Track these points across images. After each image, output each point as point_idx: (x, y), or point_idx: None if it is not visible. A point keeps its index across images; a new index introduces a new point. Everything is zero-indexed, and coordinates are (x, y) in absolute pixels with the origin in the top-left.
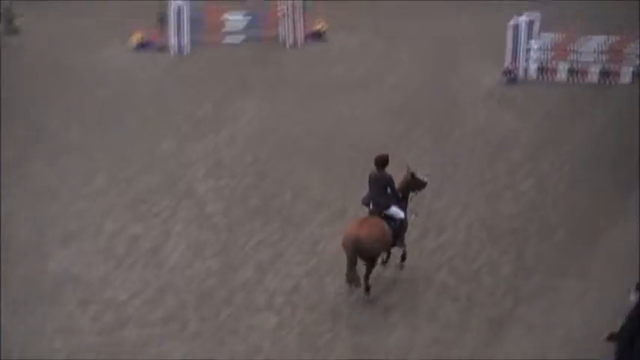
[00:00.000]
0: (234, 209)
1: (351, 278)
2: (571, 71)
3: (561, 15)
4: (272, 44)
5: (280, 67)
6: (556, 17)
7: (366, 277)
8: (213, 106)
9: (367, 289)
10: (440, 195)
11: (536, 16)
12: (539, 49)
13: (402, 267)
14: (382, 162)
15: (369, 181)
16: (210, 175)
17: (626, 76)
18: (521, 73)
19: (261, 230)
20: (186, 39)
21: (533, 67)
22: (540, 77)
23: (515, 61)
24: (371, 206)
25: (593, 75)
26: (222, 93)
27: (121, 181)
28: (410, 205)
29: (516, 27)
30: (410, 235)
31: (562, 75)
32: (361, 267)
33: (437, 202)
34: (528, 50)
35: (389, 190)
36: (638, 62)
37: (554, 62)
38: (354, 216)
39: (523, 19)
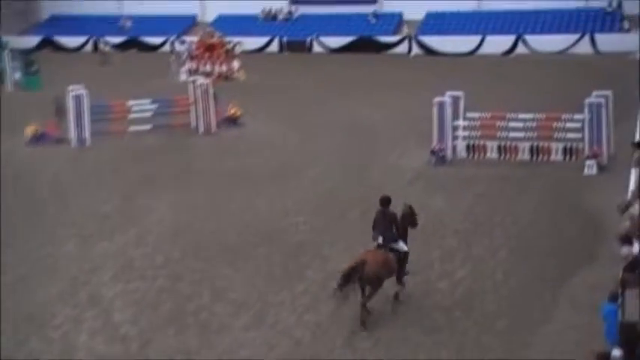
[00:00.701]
0: (146, 316)
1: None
2: (501, 149)
3: (485, 96)
4: (183, 131)
5: (193, 155)
6: (479, 98)
7: (364, 302)
8: (120, 202)
9: (363, 319)
10: None
11: (460, 94)
12: (467, 127)
13: (397, 297)
14: (386, 201)
15: (376, 219)
16: (117, 278)
17: (557, 152)
18: (449, 152)
19: (176, 338)
20: (87, 129)
21: (461, 146)
22: (470, 156)
23: (443, 141)
24: (380, 241)
25: (524, 152)
26: (130, 187)
27: (14, 292)
28: None
29: (441, 105)
30: (340, 335)
31: (492, 153)
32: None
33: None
34: (455, 129)
35: (393, 226)
36: (567, 138)
37: (482, 140)
38: (277, 318)
39: (448, 97)
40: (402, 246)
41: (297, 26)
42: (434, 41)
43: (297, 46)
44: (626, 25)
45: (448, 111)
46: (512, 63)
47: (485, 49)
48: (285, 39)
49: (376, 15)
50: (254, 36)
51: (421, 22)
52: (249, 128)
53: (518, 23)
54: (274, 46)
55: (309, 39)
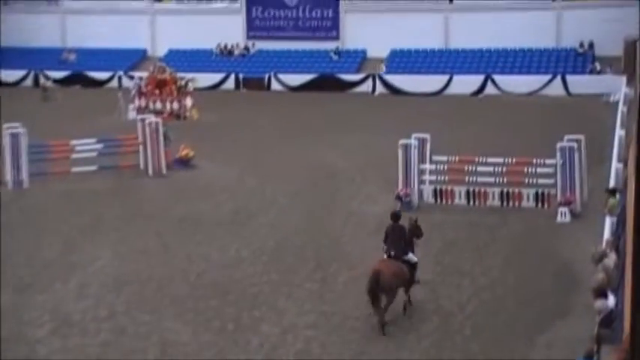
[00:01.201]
0: None
1: (379, 316)
2: (470, 195)
3: (453, 138)
4: (131, 173)
5: (141, 199)
6: (446, 140)
7: (385, 308)
8: (60, 250)
9: (382, 323)
10: (327, 347)
11: (426, 136)
12: (434, 171)
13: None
14: (397, 216)
15: (387, 233)
16: (56, 333)
17: (528, 198)
18: (415, 198)
19: None
20: (24, 170)
21: (428, 191)
22: (437, 202)
23: (409, 185)
24: (391, 254)
25: (494, 198)
26: (71, 233)
27: None
28: None
29: (407, 147)
30: None
31: (461, 199)
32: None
33: (322, 356)
34: (422, 173)
35: (402, 240)
36: (539, 184)
37: (450, 185)
38: None
39: (414, 139)
40: (411, 257)
41: (254, 62)
42: (399, 80)
43: (254, 84)
44: (597, 66)
45: (414, 154)
46: (481, 104)
47: (453, 89)
48: (241, 76)
49: (338, 52)
50: (208, 72)
51: (386, 60)
52: (202, 170)
53: (487, 63)
54: (230, 83)
55: (267, 76)
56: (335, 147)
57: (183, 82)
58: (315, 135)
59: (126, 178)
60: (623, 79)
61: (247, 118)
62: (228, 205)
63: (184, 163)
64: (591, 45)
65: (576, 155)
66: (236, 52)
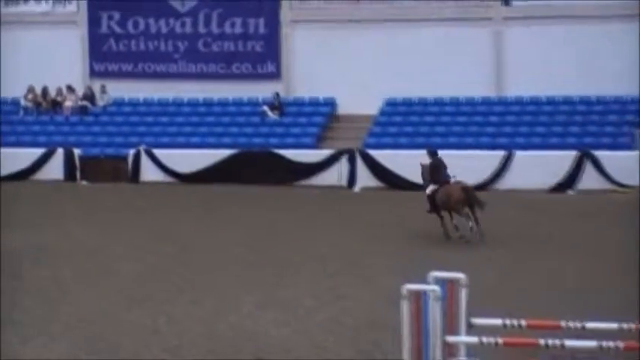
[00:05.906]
0: None
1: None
2: None
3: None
4: None
5: None
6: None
7: (476, 217)
8: None
9: (477, 222)
10: None
11: (459, 277)
12: (475, 349)
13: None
14: (433, 152)
15: (438, 167)
16: None
17: None
18: None
19: None
20: None
21: None
22: None
23: None
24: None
25: None
26: None
27: None
28: None
29: (419, 299)
30: None
31: None
32: None
33: None
34: (452, 351)
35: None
36: None
37: None
38: None
39: (432, 283)
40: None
41: (105, 125)
42: (402, 161)
43: (105, 169)
44: None
45: (435, 311)
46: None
47: (513, 178)
48: (78, 153)
49: (279, 104)
50: (11, 146)
51: (374, 120)
52: None
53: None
54: (56, 169)
55: (132, 153)
56: (271, 300)
57: None
58: (231, 276)
59: None
60: None
61: (92, 242)
62: None
63: None
64: None
65: None
66: (68, 103)
